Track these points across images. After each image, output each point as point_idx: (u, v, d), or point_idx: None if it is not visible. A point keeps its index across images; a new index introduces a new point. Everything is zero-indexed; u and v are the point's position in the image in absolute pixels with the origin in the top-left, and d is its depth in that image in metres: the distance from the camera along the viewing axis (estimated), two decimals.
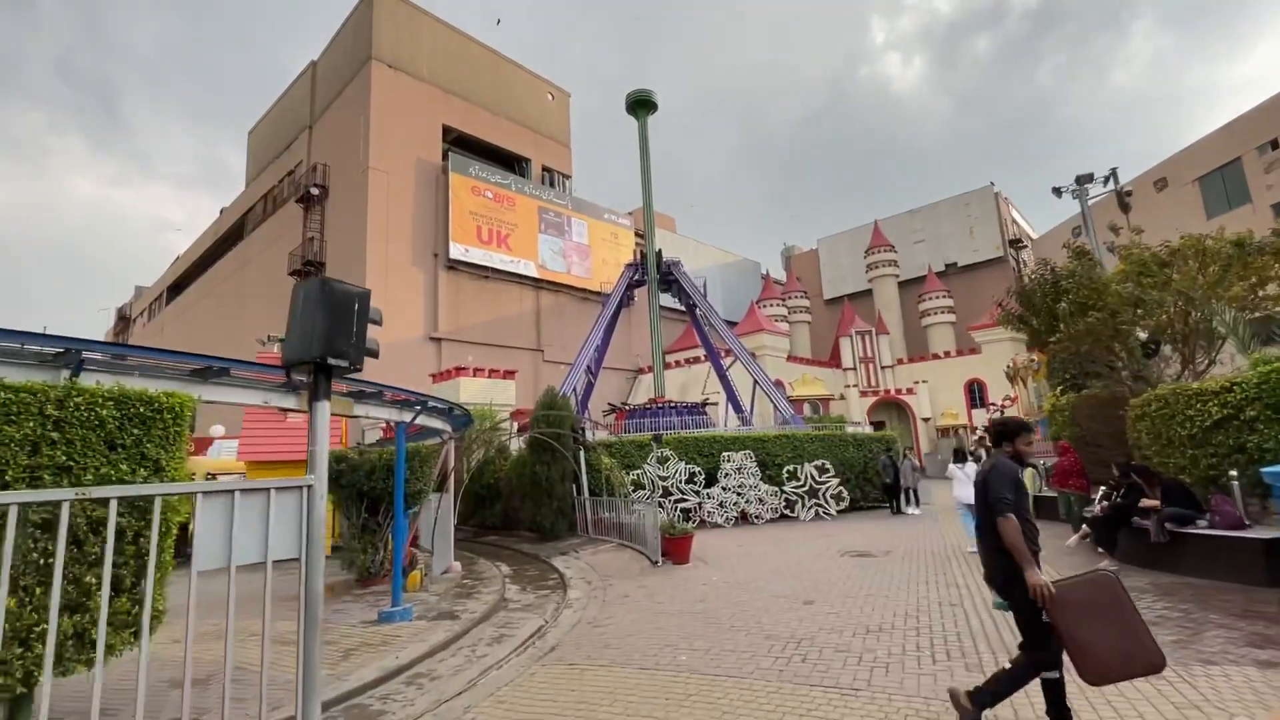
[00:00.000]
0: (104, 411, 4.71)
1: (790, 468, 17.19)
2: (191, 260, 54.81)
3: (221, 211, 53.57)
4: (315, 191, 37.20)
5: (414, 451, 11.24)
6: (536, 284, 39.28)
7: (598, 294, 40.09)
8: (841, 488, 17.34)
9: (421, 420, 9.53)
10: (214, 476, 17.95)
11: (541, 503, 15.59)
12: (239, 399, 6.22)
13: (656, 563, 11.00)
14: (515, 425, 20.58)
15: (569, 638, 7.02)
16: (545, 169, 43.39)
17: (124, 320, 67.13)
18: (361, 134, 34.05)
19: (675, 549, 11.01)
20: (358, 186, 33.68)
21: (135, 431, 4.92)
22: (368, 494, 10.69)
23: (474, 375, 24.08)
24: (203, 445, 21.95)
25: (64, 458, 4.54)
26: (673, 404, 27.53)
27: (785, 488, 16.96)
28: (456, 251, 35.36)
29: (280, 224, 40.58)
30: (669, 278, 31.33)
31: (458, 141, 38.97)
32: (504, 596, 9.86)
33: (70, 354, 4.96)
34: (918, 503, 16.86)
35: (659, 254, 31.07)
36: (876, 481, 18.58)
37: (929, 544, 12.01)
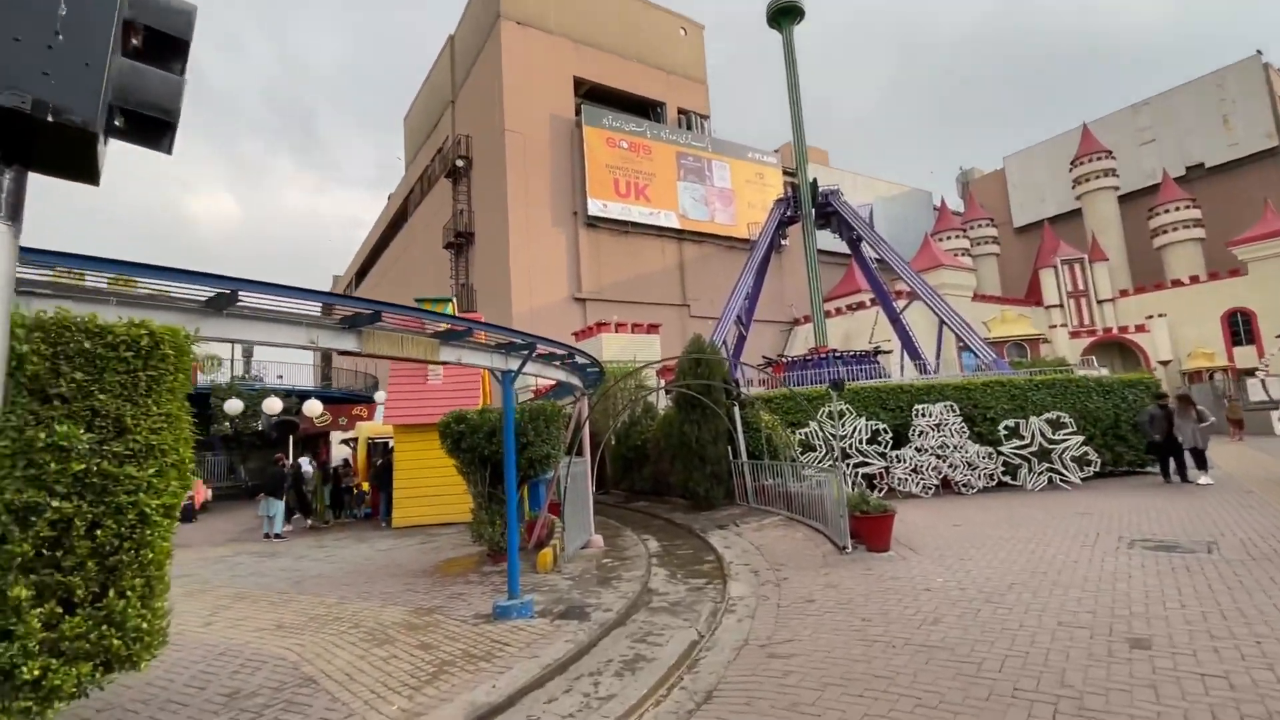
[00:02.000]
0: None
1: (1010, 423, 13.31)
2: (370, 247, 60.20)
3: (389, 199, 57.90)
4: (460, 164, 37.98)
5: (537, 410, 9.58)
6: (679, 235, 36.99)
7: (745, 241, 36.85)
8: (1086, 448, 13.11)
9: (534, 369, 7.70)
10: (372, 441, 18.36)
11: (692, 466, 13.49)
12: (270, 336, 4.63)
13: (844, 548, 8.35)
14: (661, 382, 18.70)
15: (733, 674, 4.74)
16: (681, 111, 40.51)
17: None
18: (496, 98, 33.72)
19: (871, 531, 8.26)
20: (496, 152, 33.54)
21: (78, 377, 3.35)
22: (490, 459, 9.25)
23: (616, 331, 22.56)
24: (371, 410, 23.01)
25: None
26: (838, 353, 23.98)
27: (1004, 448, 13.17)
28: (595, 208, 34.12)
29: (435, 201, 42.33)
30: (826, 210, 27.31)
31: (590, 94, 37.44)
32: (648, 585, 7.88)
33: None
34: (1207, 468, 12.19)
35: (814, 184, 27.11)
36: (1134, 439, 13.96)
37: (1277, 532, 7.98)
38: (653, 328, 24.20)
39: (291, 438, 24.52)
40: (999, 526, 9.54)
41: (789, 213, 28.52)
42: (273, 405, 18.12)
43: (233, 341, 4.37)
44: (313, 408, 18.25)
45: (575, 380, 9.79)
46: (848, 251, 34.33)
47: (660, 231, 36.39)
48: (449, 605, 7.17)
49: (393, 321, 5.34)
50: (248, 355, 32.03)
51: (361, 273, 62.06)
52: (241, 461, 27.91)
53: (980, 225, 49.13)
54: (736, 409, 14.48)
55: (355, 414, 25.28)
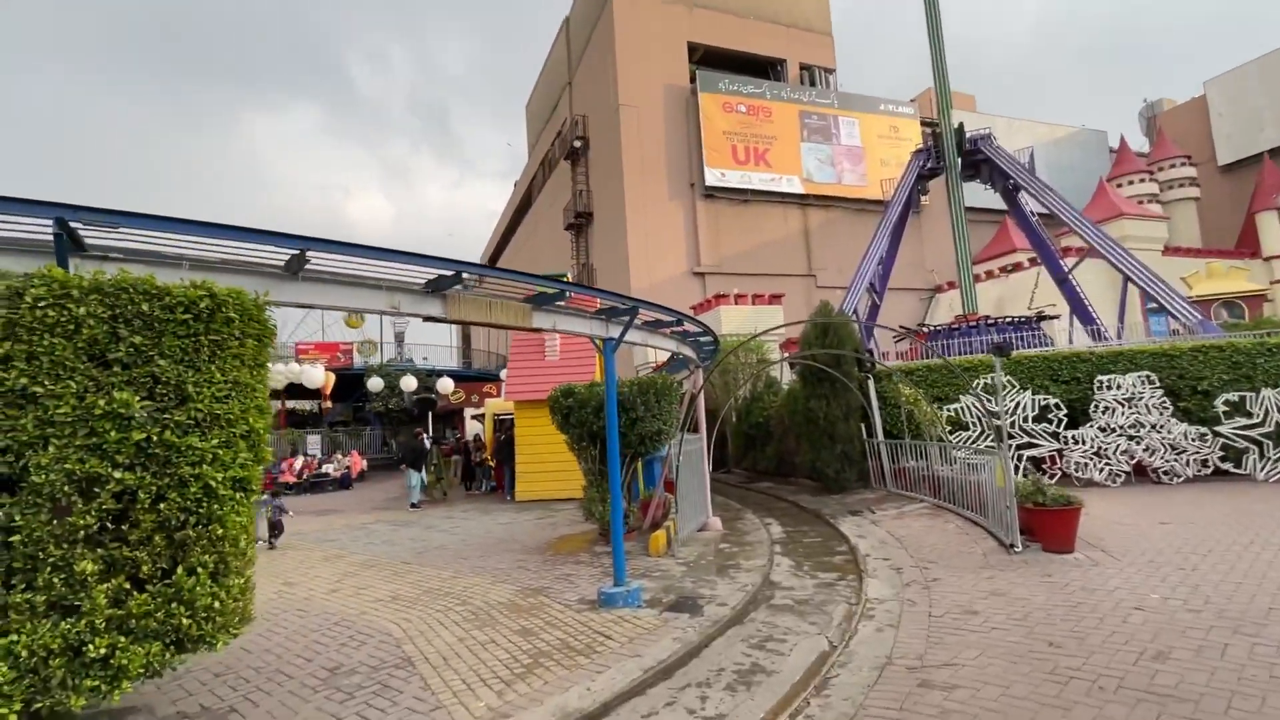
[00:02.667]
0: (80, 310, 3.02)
1: (1232, 396, 10.66)
2: (499, 235, 63.27)
3: (515, 186, 60.29)
4: (578, 144, 38.29)
5: (646, 383, 8.98)
6: (802, 201, 34.69)
7: (877, 203, 33.74)
8: None
9: (638, 338, 7.06)
10: (498, 417, 18.97)
11: (820, 445, 12.30)
12: (348, 301, 4.34)
13: (1012, 546, 6.92)
14: (784, 355, 17.45)
15: (875, 704, 3.81)
16: (803, 67, 37.72)
17: None
18: (610, 74, 33.38)
19: (1049, 527, 6.75)
20: (611, 129, 33.29)
21: (136, 341, 3.14)
22: (599, 434, 8.81)
23: (735, 303, 21.48)
24: (499, 388, 23.94)
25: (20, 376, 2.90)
26: (991, 320, 21.09)
27: (1223, 428, 10.58)
28: (712, 178, 32.85)
29: (555, 184, 43.22)
30: (975, 158, 24.04)
31: (705, 59, 35.94)
32: (769, 577, 7.03)
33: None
34: None
35: (959, 129, 23.94)
36: None
37: None
38: (775, 298, 22.77)
39: (431, 414, 26.29)
40: (1226, 526, 7.50)
41: (929, 165, 25.44)
42: (408, 383, 19.28)
43: (308, 307, 4.12)
44: (445, 385, 19.18)
45: (687, 351, 9.05)
46: (1000, 207, 30.19)
47: (783, 198, 34.35)
48: (555, 587, 6.82)
49: (478, 284, 4.89)
50: (399, 339, 34.90)
51: (492, 261, 65.53)
52: (392, 435, 30.52)
53: (1172, 165, 41.31)
54: (871, 382, 13.00)
55: (486, 391, 26.50)
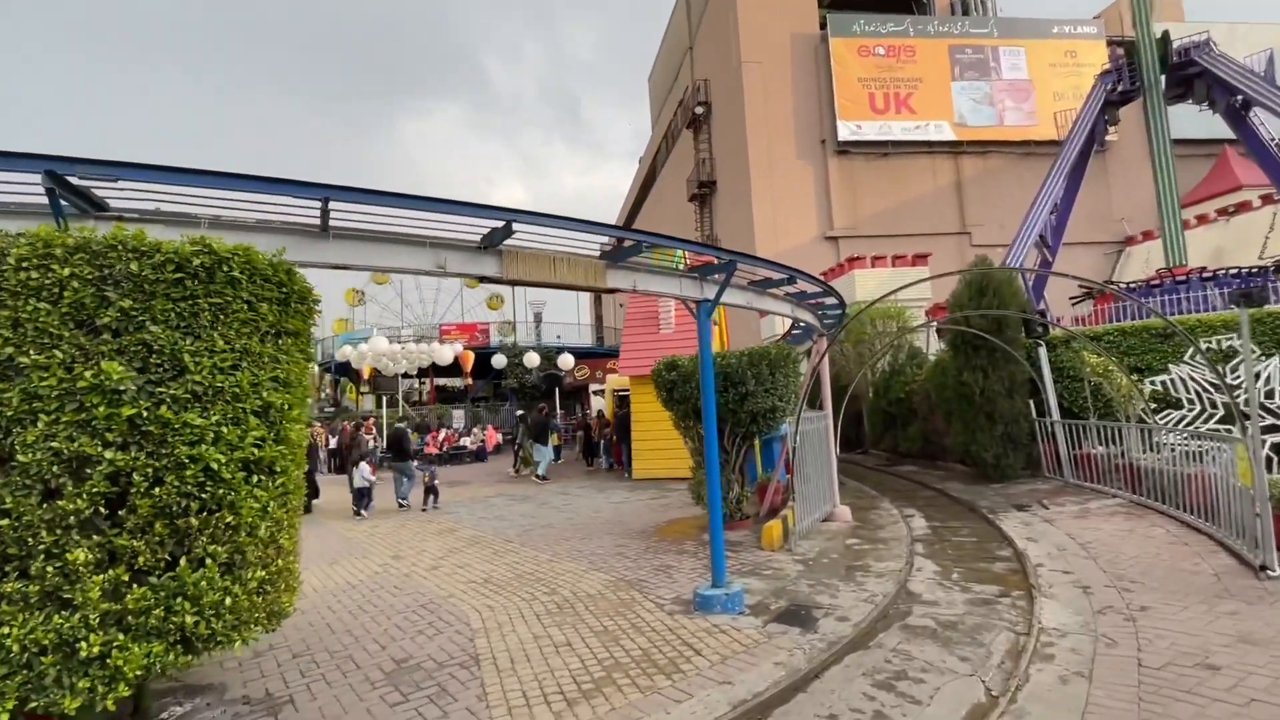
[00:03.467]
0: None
1: None
2: (625, 213, 63.57)
3: (639, 163, 60.03)
4: (699, 110, 36.89)
5: (759, 354, 7.91)
6: (954, 149, 30.64)
7: (1049, 144, 28.85)
8: None
9: (741, 299, 6.05)
10: (617, 393, 18.67)
11: (976, 425, 10.45)
12: (388, 260, 3.84)
13: (1264, 569, 5.05)
14: (931, 320, 15.27)
15: None
16: None
17: None
18: (732, 29, 31.49)
19: None
20: (734, 89, 31.52)
21: (125, 305, 2.79)
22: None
23: (872, 266, 19.30)
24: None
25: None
26: (1207, 273, 17.00)
27: None
28: (846, 131, 30.00)
29: (678, 156, 42.19)
30: (1187, 71, 19.41)
31: (835, 1, 32.73)
32: (905, 585, 5.79)
33: None
34: None
35: (1163, 37, 19.42)
36: None
37: None
38: (919, 258, 20.18)
39: (557, 390, 26.90)
40: None
41: (1120, 88, 20.95)
42: (531, 359, 19.62)
43: (340, 268, 3.67)
44: (565, 361, 19.28)
45: (806, 316, 7.84)
46: (1215, 136, 24.45)
47: (930, 147, 30.57)
48: (651, 581, 6.12)
49: (533, 235, 4.19)
50: (537, 319, 36.26)
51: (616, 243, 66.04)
52: (526, 411, 31.85)
53: None
54: (1042, 350, 10.80)
55: (610, 368, 26.53)
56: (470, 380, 36.08)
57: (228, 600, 2.93)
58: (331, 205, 3.50)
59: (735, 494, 8.26)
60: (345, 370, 33.74)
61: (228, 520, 2.95)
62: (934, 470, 12.76)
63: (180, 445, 2.80)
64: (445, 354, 17.93)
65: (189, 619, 2.80)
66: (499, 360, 22.01)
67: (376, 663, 4.45)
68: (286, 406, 3.33)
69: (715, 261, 5.35)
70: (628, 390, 16.84)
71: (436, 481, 12.04)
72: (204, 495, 2.87)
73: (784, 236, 29.63)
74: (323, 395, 44.26)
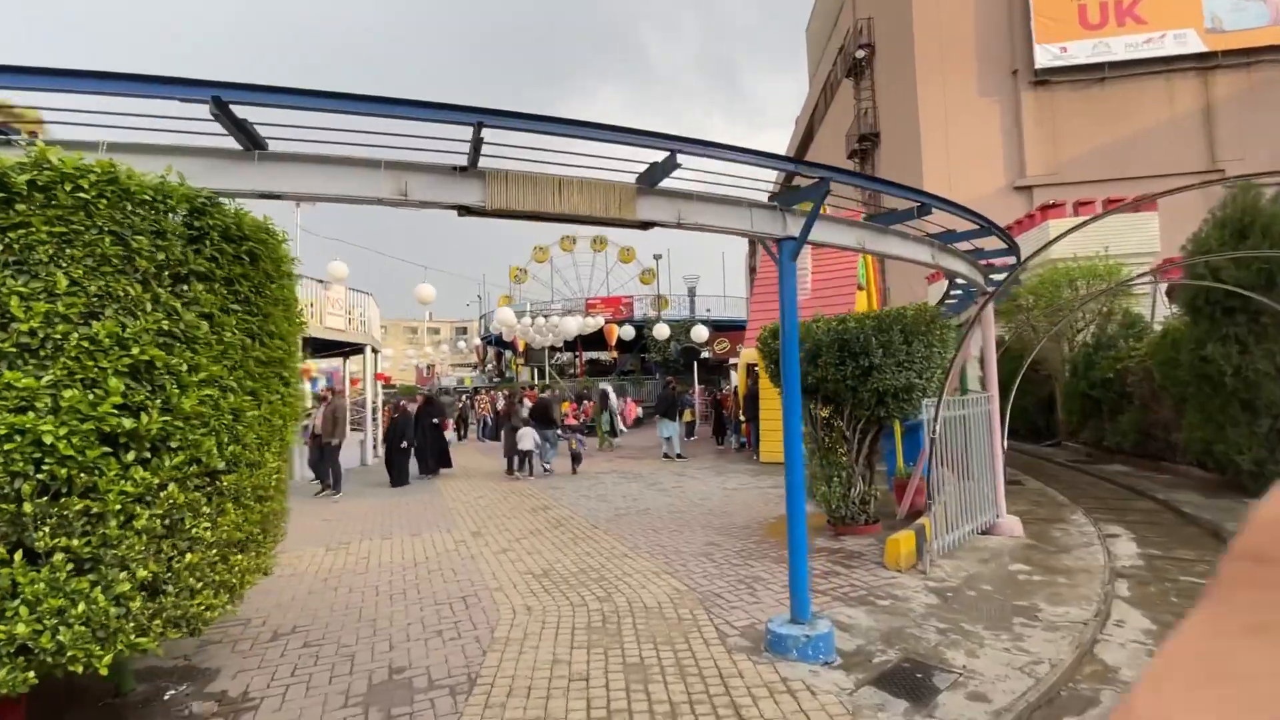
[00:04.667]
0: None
1: None
2: (781, 182, 60.03)
3: (795, 123, 56.12)
4: (861, 55, 33.06)
5: (890, 317, 6.19)
6: (1203, 64, 23.98)
7: None
8: None
9: (850, 239, 4.51)
10: (751, 367, 17.14)
11: (1225, 417, 7.62)
12: (331, 187, 3.05)
13: None
14: (1158, 278, 11.73)
15: None
16: None
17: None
18: None
19: None
20: (901, 24, 27.55)
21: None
22: (818, 388, 6.39)
23: (1075, 213, 15.53)
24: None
25: None
26: None
27: None
28: (1045, 57, 24.83)
29: (837, 111, 38.47)
30: None
31: None
32: (1092, 650, 3.96)
33: None
34: None
35: None
36: None
37: None
38: (1142, 202, 15.83)
39: (695, 364, 25.90)
40: None
41: None
42: (660, 331, 18.79)
43: (268, 196, 2.92)
44: (698, 333, 18.17)
45: (958, 266, 5.93)
46: None
47: (1166, 65, 24.26)
48: (728, 596, 4.92)
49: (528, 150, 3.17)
50: (691, 293, 35.54)
51: None
52: (681, 386, 31.32)
53: None
54: None
55: (749, 341, 24.91)
56: (615, 354, 36.48)
57: (80, 607, 2.34)
58: (266, 125, 2.78)
59: (859, 491, 6.65)
60: (504, 344, 35.89)
61: (78, 507, 2.35)
62: (1154, 474, 9.74)
63: (4, 413, 2.21)
64: (569, 326, 17.75)
65: (21, 628, 2.23)
66: (627, 332, 21.52)
67: (370, 670, 3.84)
68: (188, 368, 2.68)
69: (805, 182, 3.92)
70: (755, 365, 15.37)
71: (582, 449, 13.05)
72: (41, 475, 2.28)
73: (961, 189, 25.41)
74: (488, 366, 47.96)
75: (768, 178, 3.90)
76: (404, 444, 11.31)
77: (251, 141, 2.90)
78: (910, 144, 27.10)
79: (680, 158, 3.38)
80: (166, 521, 2.66)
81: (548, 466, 12.49)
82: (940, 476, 6.09)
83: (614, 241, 39.85)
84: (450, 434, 16.14)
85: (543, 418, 12.87)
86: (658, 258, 35.47)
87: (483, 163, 3.27)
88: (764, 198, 4.06)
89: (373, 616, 4.75)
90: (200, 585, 2.85)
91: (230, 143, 2.90)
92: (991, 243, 5.98)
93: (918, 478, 7.16)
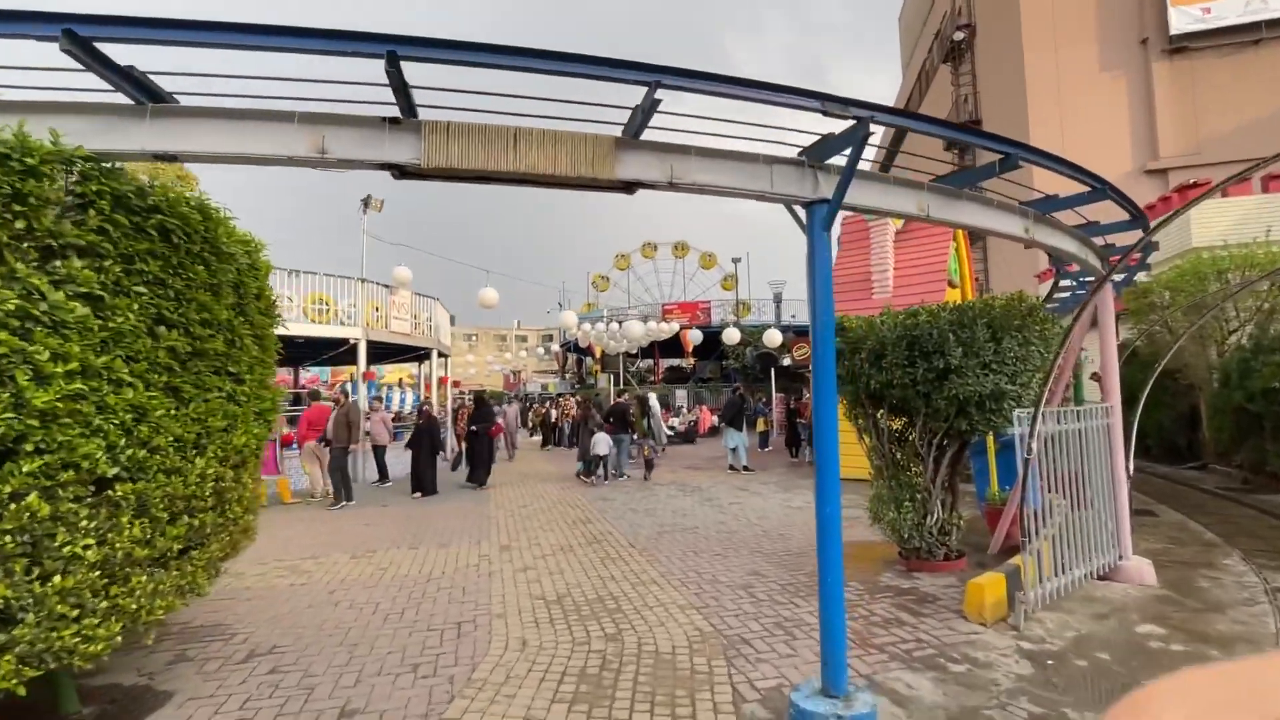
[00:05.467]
0: None
1: None
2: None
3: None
4: (959, 36, 30.53)
5: (973, 309, 5.08)
6: None
7: None
8: None
9: (886, 202, 3.58)
10: None
11: None
12: (238, 145, 2.59)
13: None
14: None
15: None
16: None
17: None
18: None
19: None
20: None
21: None
22: (882, 394, 5.37)
23: (1223, 196, 13.12)
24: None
25: None
26: None
27: None
28: (1183, 20, 21.72)
29: (933, 100, 35.84)
30: None
31: None
32: None
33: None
34: None
35: None
36: None
37: None
38: None
39: (773, 371, 24.58)
40: None
41: None
42: (730, 336, 17.83)
43: (162, 158, 2.48)
44: (771, 338, 17.06)
45: (1063, 244, 4.75)
46: None
47: None
48: (758, 645, 4.07)
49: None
50: (777, 300, 34.20)
51: None
52: (750, 394, 30.05)
53: None
54: None
55: None
56: (692, 360, 35.60)
57: None
58: (168, 75, 2.35)
59: (937, 519, 5.54)
60: (582, 350, 36.05)
61: None
62: None
63: None
64: (634, 331, 17.15)
65: None
66: (695, 336, 20.67)
67: (320, 710, 3.34)
68: (51, 357, 2.26)
69: (840, 127, 3.07)
70: None
71: (655, 457, 12.91)
72: None
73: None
74: (568, 373, 48.50)
75: (810, 130, 3.07)
76: (433, 452, 10.89)
77: (147, 94, 2.48)
78: (1017, 128, 24.54)
79: (667, 95, 2.66)
80: (24, 537, 2.25)
81: (623, 472, 12.37)
82: (1043, 503, 4.92)
83: (695, 247, 39.17)
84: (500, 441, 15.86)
85: (619, 422, 12.70)
86: (737, 261, 34.39)
87: (426, 115, 2.71)
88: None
89: (357, 640, 4.30)
90: (77, 613, 2.43)
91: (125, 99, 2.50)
92: (1109, 214, 4.76)
93: (1014, 505, 5.92)
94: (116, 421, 2.52)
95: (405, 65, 2.44)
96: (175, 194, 2.81)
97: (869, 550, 6.37)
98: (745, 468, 13.15)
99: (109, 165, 2.54)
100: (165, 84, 2.54)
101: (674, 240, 41.00)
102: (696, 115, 3.05)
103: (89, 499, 2.45)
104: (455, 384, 22.87)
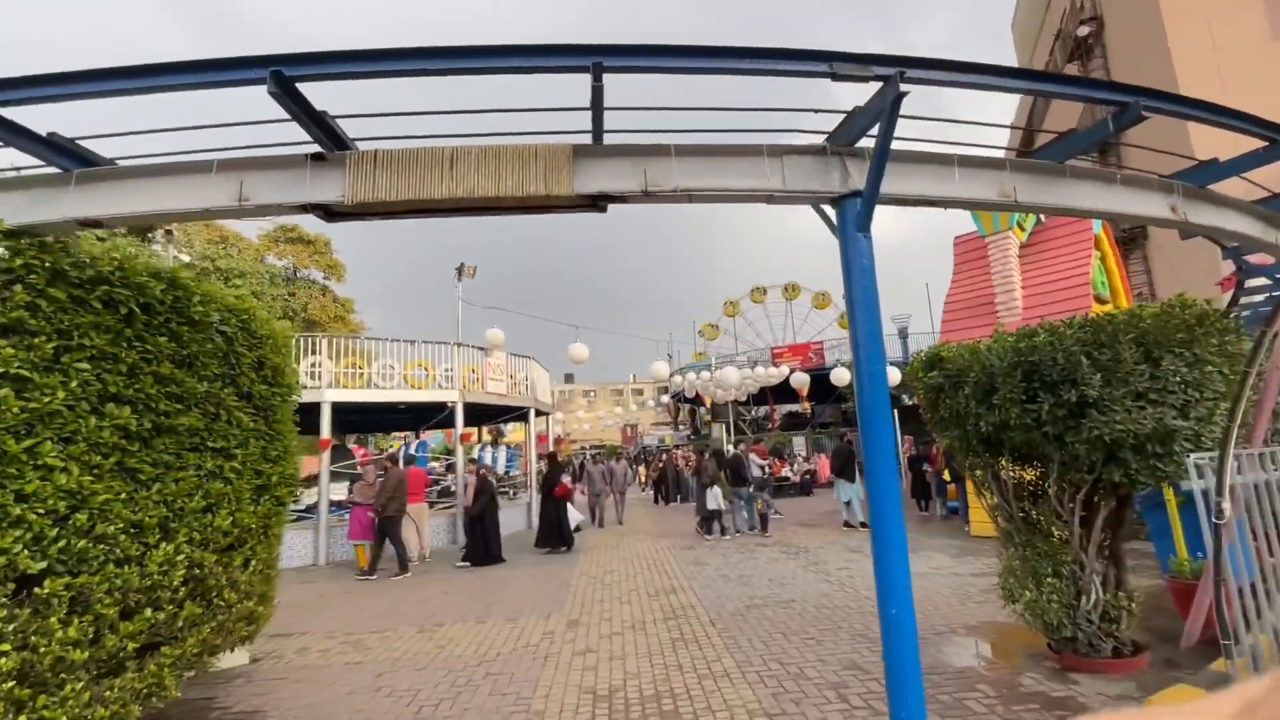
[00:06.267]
0: None
1: None
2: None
3: (1010, 132, 48.95)
4: (1085, 31, 27.63)
5: (1117, 323, 3.91)
6: None
7: None
8: None
9: (926, 187, 2.72)
10: None
11: None
12: (159, 202, 2.39)
13: None
14: None
15: None
16: None
17: None
18: None
19: None
20: None
21: None
22: (1001, 439, 4.24)
23: None
24: None
25: None
26: None
27: None
28: None
29: (1059, 108, 32.44)
30: None
31: None
32: None
33: None
34: None
35: None
36: None
37: None
38: None
39: (898, 412, 22.36)
40: None
41: None
42: (839, 376, 16.36)
43: (91, 225, 2.31)
44: (839, 376, 15.46)
45: (1232, 223, 3.53)
46: None
47: None
48: None
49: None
50: (902, 334, 31.93)
51: None
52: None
53: None
54: None
55: None
56: (807, 404, 33.57)
57: None
58: (94, 139, 2.24)
59: (1096, 601, 4.22)
60: (691, 400, 35.39)
61: None
62: None
63: None
64: (729, 377, 16.24)
65: None
66: (799, 378, 19.29)
67: None
68: None
69: (879, 90, 2.38)
70: None
71: (770, 511, 12.21)
72: None
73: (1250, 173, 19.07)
74: (681, 425, 47.81)
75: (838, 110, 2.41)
76: (482, 516, 9.95)
77: (75, 160, 2.36)
78: (1167, 120, 21.28)
79: (615, 79, 2.14)
80: None
81: (738, 528, 11.88)
82: (1257, 577, 3.54)
83: (806, 288, 37.74)
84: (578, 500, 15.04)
85: (734, 475, 12.09)
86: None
87: (366, 146, 2.39)
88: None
89: None
90: None
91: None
92: None
93: (1211, 581, 4.39)
94: (43, 510, 2.31)
95: (305, 88, 2.12)
96: (131, 263, 2.69)
97: (1008, 636, 5.04)
98: (861, 524, 11.66)
99: (43, 239, 2.43)
100: (102, 148, 2.42)
101: (784, 282, 39.85)
102: (693, 108, 2.49)
103: (3, 599, 2.23)
104: (559, 441, 23.03)
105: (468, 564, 9.71)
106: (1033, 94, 2.73)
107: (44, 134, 2.29)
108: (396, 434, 25.23)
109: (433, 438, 21.74)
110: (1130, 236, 22.33)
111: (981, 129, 3.58)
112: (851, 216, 2.42)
